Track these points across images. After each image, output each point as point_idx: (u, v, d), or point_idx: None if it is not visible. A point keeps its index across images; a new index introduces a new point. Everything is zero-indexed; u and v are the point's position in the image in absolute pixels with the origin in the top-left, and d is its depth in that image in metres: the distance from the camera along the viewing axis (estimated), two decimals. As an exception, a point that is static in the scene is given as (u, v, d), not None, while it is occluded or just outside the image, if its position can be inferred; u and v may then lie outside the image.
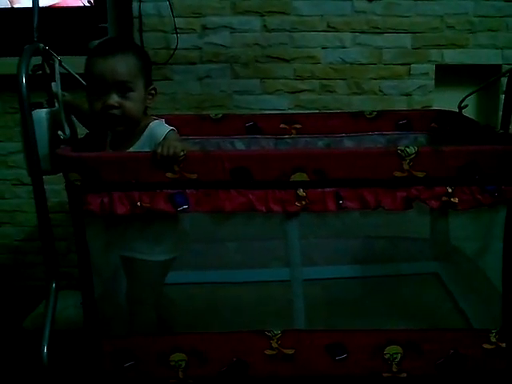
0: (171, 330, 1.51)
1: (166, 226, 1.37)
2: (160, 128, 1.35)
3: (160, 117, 1.43)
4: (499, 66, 1.99)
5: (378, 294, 1.68)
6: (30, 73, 1.31)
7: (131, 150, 1.35)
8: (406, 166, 1.24)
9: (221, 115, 1.74)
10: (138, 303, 1.43)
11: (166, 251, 1.40)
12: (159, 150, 1.22)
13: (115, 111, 1.30)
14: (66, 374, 1.45)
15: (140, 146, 1.34)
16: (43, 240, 1.35)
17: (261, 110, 2.00)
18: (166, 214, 1.26)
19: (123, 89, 1.30)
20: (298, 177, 1.25)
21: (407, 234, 1.81)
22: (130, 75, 1.31)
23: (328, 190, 1.26)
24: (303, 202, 1.26)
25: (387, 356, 1.34)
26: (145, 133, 1.35)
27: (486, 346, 1.34)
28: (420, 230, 1.81)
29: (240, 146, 1.73)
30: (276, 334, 1.34)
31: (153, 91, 1.38)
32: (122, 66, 1.30)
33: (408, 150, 1.23)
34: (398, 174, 1.25)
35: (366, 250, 1.86)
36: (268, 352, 1.34)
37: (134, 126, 1.36)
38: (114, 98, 1.30)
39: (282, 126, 1.74)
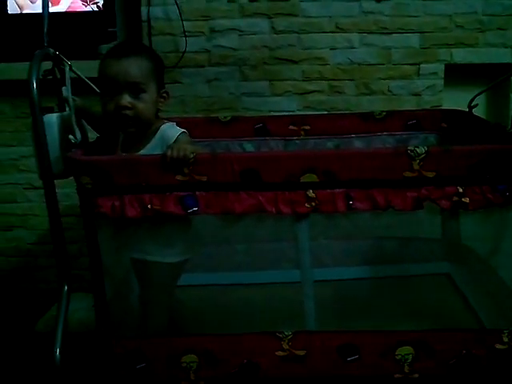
0: (181, 331, 1.51)
1: (177, 227, 1.37)
2: (171, 130, 1.35)
3: (169, 120, 1.44)
4: (509, 65, 1.97)
5: (389, 295, 1.67)
6: (41, 78, 1.32)
7: (142, 152, 1.36)
8: (416, 166, 1.23)
9: (230, 117, 1.74)
10: (150, 305, 1.43)
11: (178, 253, 1.40)
12: (169, 153, 1.23)
13: (128, 112, 1.31)
14: (79, 376, 1.46)
15: (151, 148, 1.35)
16: (55, 243, 1.36)
17: (270, 111, 2.00)
18: (177, 216, 1.26)
19: (136, 90, 1.31)
20: (307, 178, 1.25)
21: (418, 235, 1.80)
22: (143, 77, 1.32)
23: (338, 190, 1.26)
24: (313, 204, 1.26)
25: (399, 357, 1.33)
26: (156, 135, 1.36)
27: (498, 346, 1.32)
28: (431, 230, 1.80)
29: (249, 147, 1.74)
30: (287, 336, 1.34)
31: (165, 94, 1.39)
32: (134, 67, 1.31)
33: (418, 150, 1.23)
34: (408, 174, 1.24)
35: (376, 251, 1.85)
36: (279, 353, 1.34)
37: (146, 127, 1.36)
38: (127, 99, 1.31)
39: (290, 127, 1.74)
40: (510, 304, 1.35)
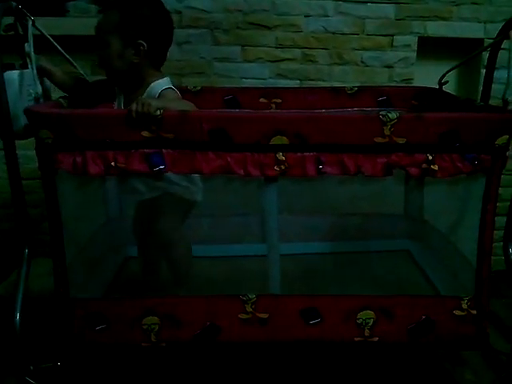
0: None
1: None
2: (158, 86, 1.37)
3: None
4: (481, 40, 1.98)
5: (351, 269, 1.68)
6: (2, 33, 1.27)
7: None
8: (387, 132, 1.22)
9: (200, 87, 1.72)
10: (172, 246, 1.50)
11: (198, 191, 1.46)
12: (134, 107, 1.19)
13: (101, 64, 1.39)
14: (39, 339, 1.43)
15: None
16: (15, 205, 1.31)
17: (241, 78, 1.97)
18: (142, 174, 1.23)
19: (102, 44, 1.36)
20: (277, 140, 1.22)
21: (381, 211, 1.81)
22: (104, 31, 1.36)
23: (308, 154, 1.24)
24: (282, 167, 1.24)
25: (360, 321, 1.34)
26: (147, 90, 1.38)
27: (457, 312, 1.35)
28: (394, 205, 1.82)
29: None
30: (251, 299, 1.33)
31: (141, 47, 1.36)
32: (100, 22, 1.37)
33: (390, 115, 1.21)
34: (378, 139, 1.23)
35: (340, 227, 1.86)
36: (242, 316, 1.33)
37: (134, 82, 1.39)
38: (97, 53, 1.37)
39: (261, 100, 1.72)
40: (468, 276, 1.37)
